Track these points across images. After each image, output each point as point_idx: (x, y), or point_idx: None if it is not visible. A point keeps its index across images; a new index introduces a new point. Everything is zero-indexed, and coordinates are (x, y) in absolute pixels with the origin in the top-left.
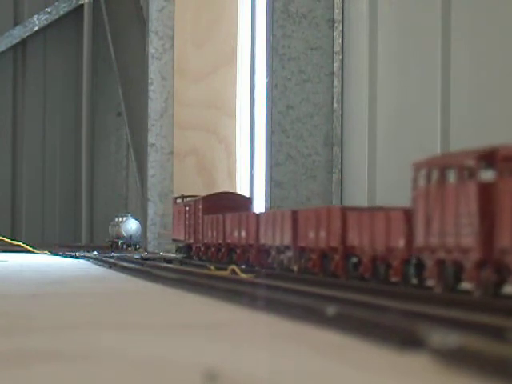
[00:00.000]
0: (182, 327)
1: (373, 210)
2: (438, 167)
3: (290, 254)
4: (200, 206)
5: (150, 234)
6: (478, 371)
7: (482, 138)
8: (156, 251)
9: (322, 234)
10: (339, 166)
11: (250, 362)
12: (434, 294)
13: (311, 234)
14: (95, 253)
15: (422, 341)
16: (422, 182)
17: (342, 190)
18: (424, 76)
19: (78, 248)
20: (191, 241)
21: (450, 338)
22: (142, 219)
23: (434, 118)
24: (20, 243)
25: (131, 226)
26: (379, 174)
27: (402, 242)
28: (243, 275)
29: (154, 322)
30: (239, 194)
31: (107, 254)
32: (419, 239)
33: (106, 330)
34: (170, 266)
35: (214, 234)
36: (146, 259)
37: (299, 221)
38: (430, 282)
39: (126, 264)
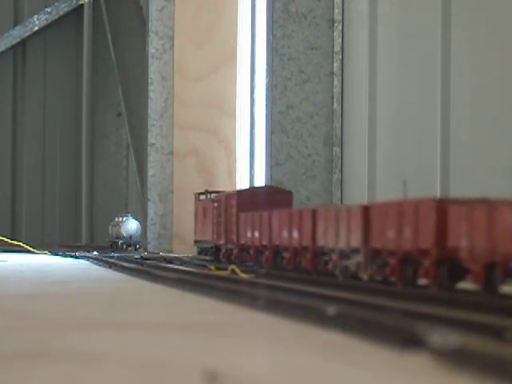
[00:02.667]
0: (182, 327)
1: (486, 204)
2: None
3: (358, 258)
4: (234, 202)
5: (150, 233)
6: (478, 371)
7: (483, 136)
8: (156, 251)
9: (407, 233)
10: (339, 166)
11: (250, 362)
12: (434, 294)
13: (390, 234)
14: (95, 253)
15: (422, 341)
16: None
17: (341, 189)
18: (424, 76)
19: (78, 248)
20: (221, 242)
21: (450, 338)
22: (142, 219)
23: (433, 118)
24: (20, 243)
25: (131, 226)
26: (379, 174)
27: None
28: (243, 275)
29: (154, 322)
30: (278, 188)
31: (107, 254)
32: None
33: (106, 330)
34: (170, 265)
35: (256, 234)
36: (146, 259)
37: (373, 218)
38: None
39: (126, 264)
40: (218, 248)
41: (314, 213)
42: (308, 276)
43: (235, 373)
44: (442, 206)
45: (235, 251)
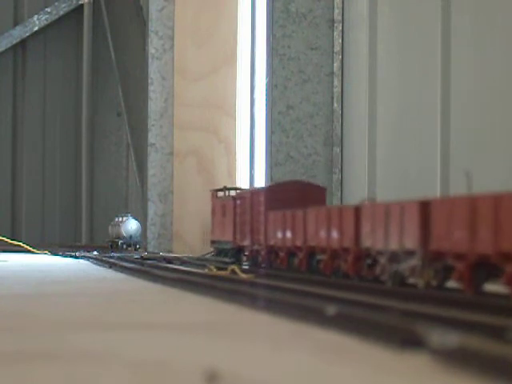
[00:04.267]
0: (182, 327)
1: None
2: None
3: (414, 261)
4: (262, 199)
5: (150, 233)
6: (478, 371)
7: (482, 135)
8: (156, 251)
9: (484, 233)
10: (339, 166)
11: (250, 362)
12: (434, 294)
13: (459, 234)
14: (95, 253)
15: (421, 341)
16: None
17: (341, 189)
18: (424, 76)
19: (78, 248)
20: (245, 243)
21: (449, 338)
22: (142, 219)
23: (433, 118)
24: (20, 243)
25: (131, 226)
26: (379, 174)
27: None
28: (243, 275)
29: (154, 322)
30: (310, 184)
31: (107, 254)
32: None
33: (106, 330)
34: (170, 266)
35: (288, 234)
36: (146, 259)
37: (434, 215)
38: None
39: (125, 264)
40: (239, 249)
41: (357, 210)
42: (306, 276)
43: (235, 373)
44: None
45: (263, 253)
